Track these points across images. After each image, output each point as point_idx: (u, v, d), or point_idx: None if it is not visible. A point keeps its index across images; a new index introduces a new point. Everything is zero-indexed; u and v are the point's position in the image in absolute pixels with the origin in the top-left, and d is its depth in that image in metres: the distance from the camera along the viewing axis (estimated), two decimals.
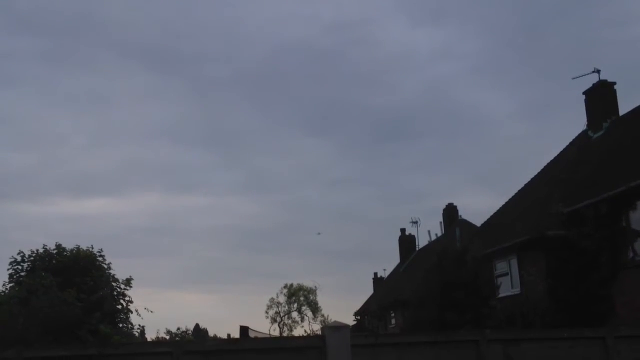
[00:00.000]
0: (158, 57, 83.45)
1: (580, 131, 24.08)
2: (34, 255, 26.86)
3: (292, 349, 6.76)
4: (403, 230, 45.36)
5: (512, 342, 7.13)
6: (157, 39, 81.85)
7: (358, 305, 46.43)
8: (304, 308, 55.89)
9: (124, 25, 78.09)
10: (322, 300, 61.61)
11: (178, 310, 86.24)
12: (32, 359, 6.13)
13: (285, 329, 55.43)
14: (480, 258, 20.73)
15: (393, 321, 35.55)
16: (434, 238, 39.52)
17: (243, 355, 6.56)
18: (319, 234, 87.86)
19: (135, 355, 6.43)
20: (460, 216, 38.35)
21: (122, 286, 27.81)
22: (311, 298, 55.75)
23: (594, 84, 23.04)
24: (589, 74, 23.30)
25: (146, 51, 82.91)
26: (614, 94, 22.87)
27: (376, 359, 6.77)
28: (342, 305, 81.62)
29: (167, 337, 54.01)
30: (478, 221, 30.64)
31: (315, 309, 55.44)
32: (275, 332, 52.44)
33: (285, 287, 56.56)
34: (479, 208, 77.95)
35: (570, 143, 24.34)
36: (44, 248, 27.09)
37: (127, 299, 27.92)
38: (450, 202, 40.24)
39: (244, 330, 19.83)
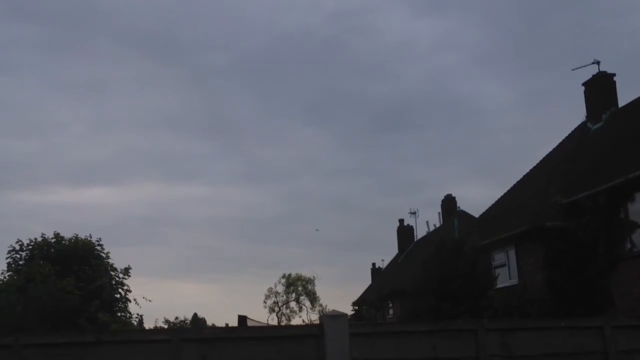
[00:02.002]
0: (157, 45, 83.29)
1: (579, 122, 24.07)
2: (32, 243, 26.91)
3: (289, 337, 6.75)
4: (401, 221, 45.41)
5: (510, 332, 7.13)
6: (157, 27, 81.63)
7: (356, 295, 46.59)
8: (302, 298, 56.11)
9: (123, 12, 77.85)
10: (320, 290, 61.83)
11: (176, 299, 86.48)
12: (30, 346, 6.11)
13: (283, 318, 55.65)
14: (478, 249, 20.76)
15: (391, 311, 35.64)
16: (432, 229, 39.59)
17: (240, 343, 6.55)
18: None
19: (132, 343, 6.42)
20: (459, 207, 38.41)
21: (120, 275, 27.91)
22: (309, 288, 55.96)
23: (593, 75, 22.99)
24: (588, 65, 23.29)
25: (145, 39, 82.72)
26: (613, 85, 22.83)
27: (374, 347, 6.77)
28: (340, 295, 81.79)
29: (165, 326, 54.17)
30: (476, 212, 30.72)
31: (313, 298, 55.67)
32: (273, 322, 52.68)
33: (284, 276, 56.75)
34: (477, 199, 78.15)
35: (569, 134, 24.32)
36: (42, 236, 27.14)
37: (125, 287, 28.02)
38: (449, 192, 40.47)
39: (242, 319, 19.83)
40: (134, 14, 79.32)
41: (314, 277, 56.08)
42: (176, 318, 58.69)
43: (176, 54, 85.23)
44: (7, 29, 74.57)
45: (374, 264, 51.70)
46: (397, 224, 45.63)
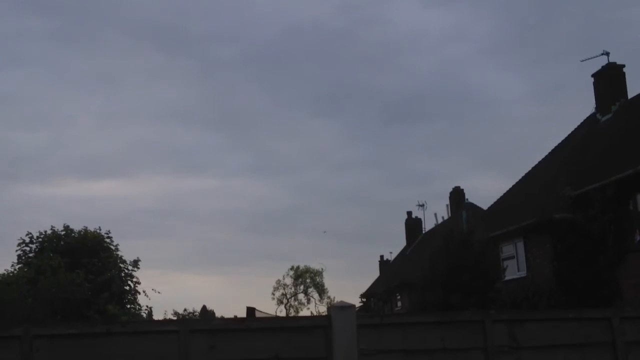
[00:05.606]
0: (166, 37, 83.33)
1: (588, 114, 23.95)
2: (42, 236, 27.10)
3: (297, 328, 6.77)
4: (409, 213, 45.40)
5: (517, 323, 7.12)
6: (166, 19, 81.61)
7: (364, 287, 46.65)
8: (310, 290, 56.24)
9: (133, 4, 77.89)
10: (328, 282, 61.92)
11: (185, 291, 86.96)
12: (40, 337, 6.16)
13: (292, 310, 55.79)
14: (486, 241, 20.71)
15: (399, 303, 35.68)
16: (440, 221, 39.53)
17: (249, 334, 6.58)
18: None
19: (142, 333, 6.45)
20: (467, 199, 38.33)
21: (130, 267, 28.09)
22: (317, 280, 56.08)
23: (602, 66, 22.87)
24: (597, 56, 23.18)
25: (155, 31, 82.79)
26: (622, 76, 22.72)
27: (381, 338, 6.78)
28: (348, 287, 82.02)
29: (174, 318, 54.34)
30: (485, 204, 30.68)
31: (321, 290, 55.80)
32: (282, 314, 52.84)
33: (292, 268, 56.89)
34: (486, 191, 78.03)
35: (579, 126, 24.21)
36: (52, 229, 27.33)
37: (134, 280, 28.20)
38: (457, 185, 40.43)
39: (251, 311, 19.86)
40: (143, 6, 79.43)
41: (322, 269, 56.27)
42: (185, 310, 59.04)
43: (185, 46, 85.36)
44: (17, 21, 74.83)
45: (382, 257, 51.78)
46: (405, 216, 45.64)
